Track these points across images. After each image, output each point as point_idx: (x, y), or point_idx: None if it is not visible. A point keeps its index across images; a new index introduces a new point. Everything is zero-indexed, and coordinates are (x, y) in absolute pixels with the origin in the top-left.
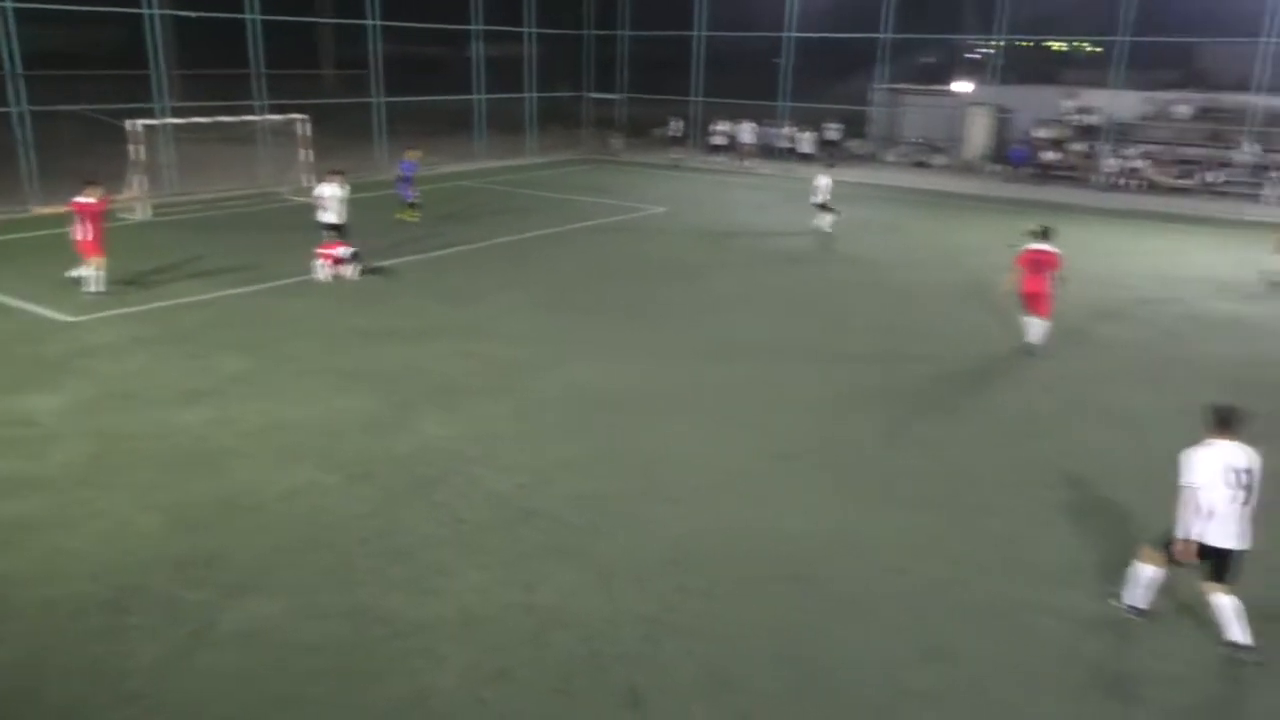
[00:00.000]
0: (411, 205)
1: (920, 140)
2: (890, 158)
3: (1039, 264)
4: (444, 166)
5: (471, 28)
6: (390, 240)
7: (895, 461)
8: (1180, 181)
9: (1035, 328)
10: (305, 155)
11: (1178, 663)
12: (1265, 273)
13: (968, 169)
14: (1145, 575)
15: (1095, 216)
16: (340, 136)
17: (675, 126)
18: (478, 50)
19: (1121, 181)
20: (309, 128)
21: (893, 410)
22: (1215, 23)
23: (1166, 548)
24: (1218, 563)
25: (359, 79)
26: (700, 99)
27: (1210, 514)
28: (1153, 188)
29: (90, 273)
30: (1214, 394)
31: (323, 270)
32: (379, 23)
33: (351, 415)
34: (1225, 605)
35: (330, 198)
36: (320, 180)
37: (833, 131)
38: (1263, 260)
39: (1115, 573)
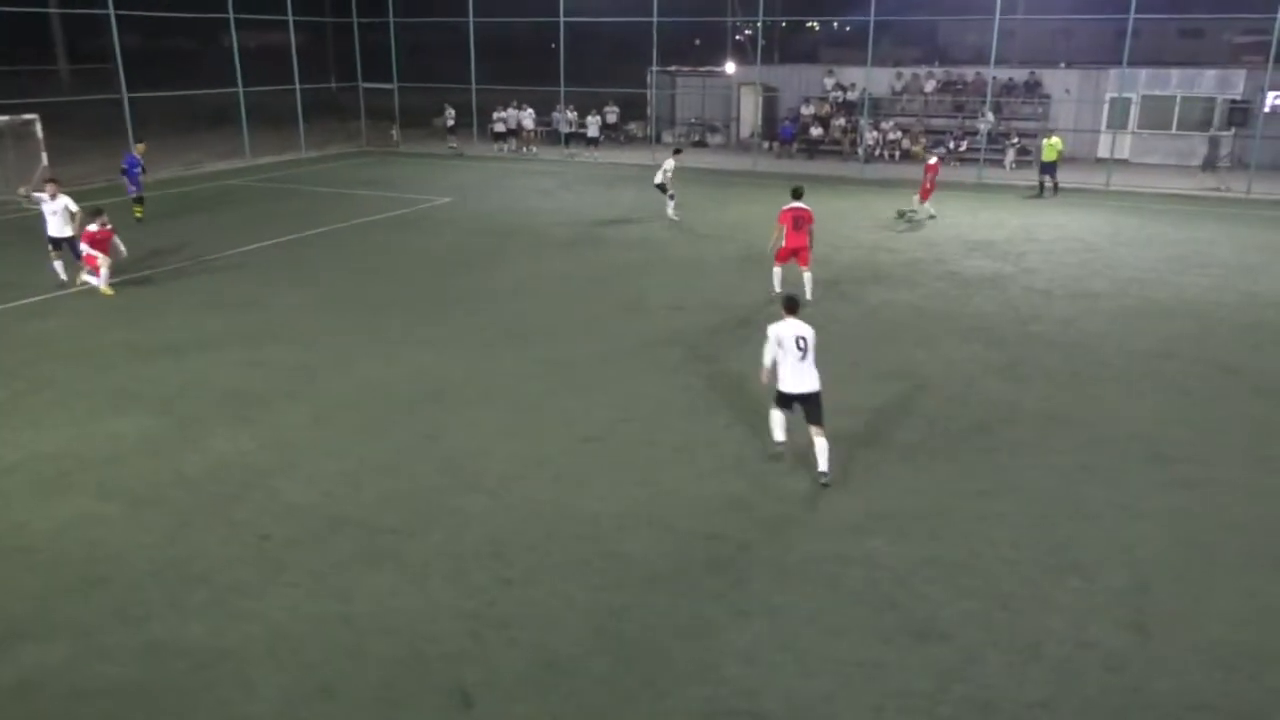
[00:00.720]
0: (138, 200)
1: (696, 120)
2: (668, 139)
3: (799, 220)
4: (207, 165)
5: (226, 16)
6: (150, 246)
7: (693, 432)
8: (931, 150)
9: (805, 281)
10: (44, 159)
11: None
12: (906, 213)
13: (743, 147)
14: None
15: (859, 187)
16: (84, 138)
17: (450, 115)
18: (235, 40)
19: (880, 153)
20: (40, 128)
21: (685, 383)
22: (955, 1)
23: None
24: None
25: (101, 74)
26: (476, 86)
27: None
28: (907, 157)
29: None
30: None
31: (92, 277)
32: (117, 12)
33: (129, 438)
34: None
35: (51, 212)
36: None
37: (611, 115)
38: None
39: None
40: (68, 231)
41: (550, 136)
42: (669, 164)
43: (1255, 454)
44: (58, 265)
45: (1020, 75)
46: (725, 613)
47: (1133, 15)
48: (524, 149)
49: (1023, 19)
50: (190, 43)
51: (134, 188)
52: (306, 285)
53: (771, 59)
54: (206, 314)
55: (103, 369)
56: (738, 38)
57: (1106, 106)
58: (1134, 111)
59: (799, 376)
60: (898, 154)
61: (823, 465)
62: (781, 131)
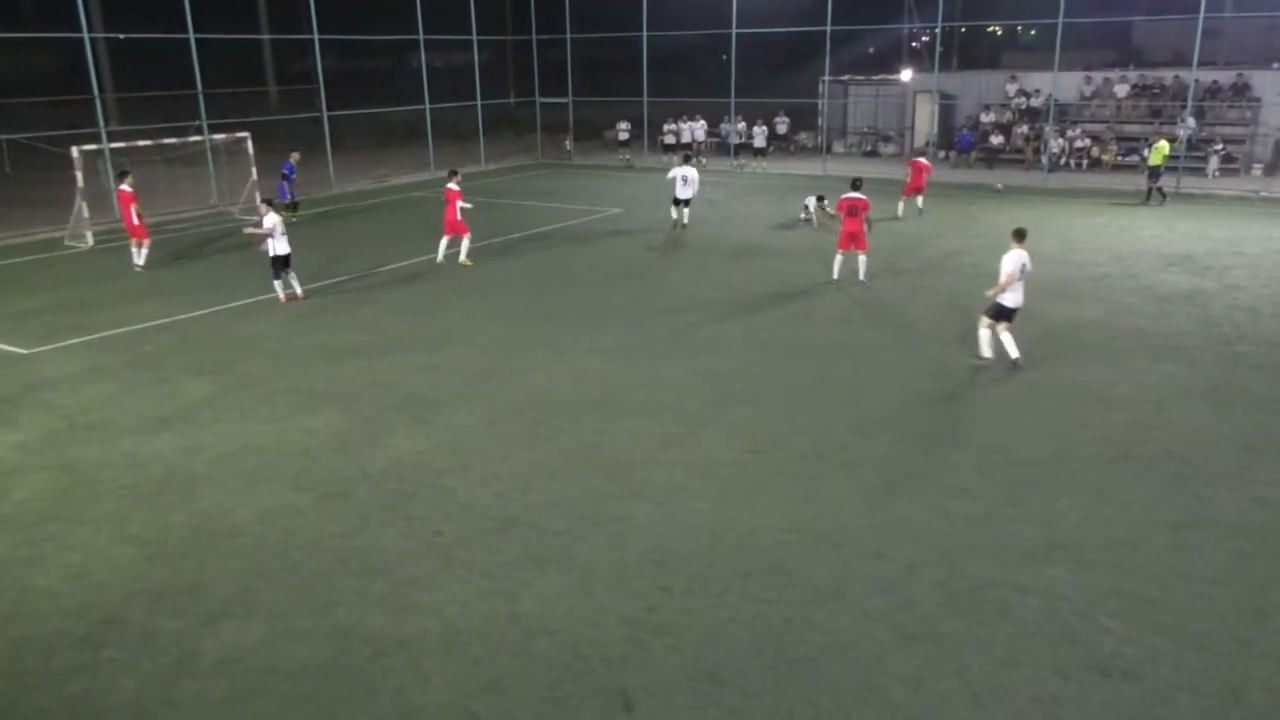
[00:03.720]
0: (291, 205)
1: (869, 130)
2: (839, 148)
3: (854, 208)
4: (395, 178)
5: (416, 38)
6: (341, 254)
7: (866, 450)
8: (1124, 159)
9: (860, 263)
10: (254, 173)
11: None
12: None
13: (917, 156)
14: (982, 334)
15: (1043, 197)
16: (289, 154)
17: (624, 128)
18: (424, 60)
19: (1066, 161)
20: (250, 145)
21: (849, 397)
22: (1150, 0)
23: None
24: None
25: (305, 94)
26: (648, 99)
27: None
28: (1097, 166)
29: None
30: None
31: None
32: (320, 36)
33: (321, 434)
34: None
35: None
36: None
37: (781, 125)
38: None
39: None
40: (285, 249)
41: (720, 148)
42: (810, 202)
43: None
44: (278, 284)
45: (1226, 77)
46: (891, 635)
47: None
48: (697, 160)
49: (1231, 16)
50: (383, 63)
51: (287, 194)
52: (483, 292)
53: (949, 65)
54: (391, 319)
55: (300, 369)
56: (914, 44)
57: None
58: None
59: (1019, 294)
60: (1085, 162)
61: (1014, 353)
62: (959, 140)
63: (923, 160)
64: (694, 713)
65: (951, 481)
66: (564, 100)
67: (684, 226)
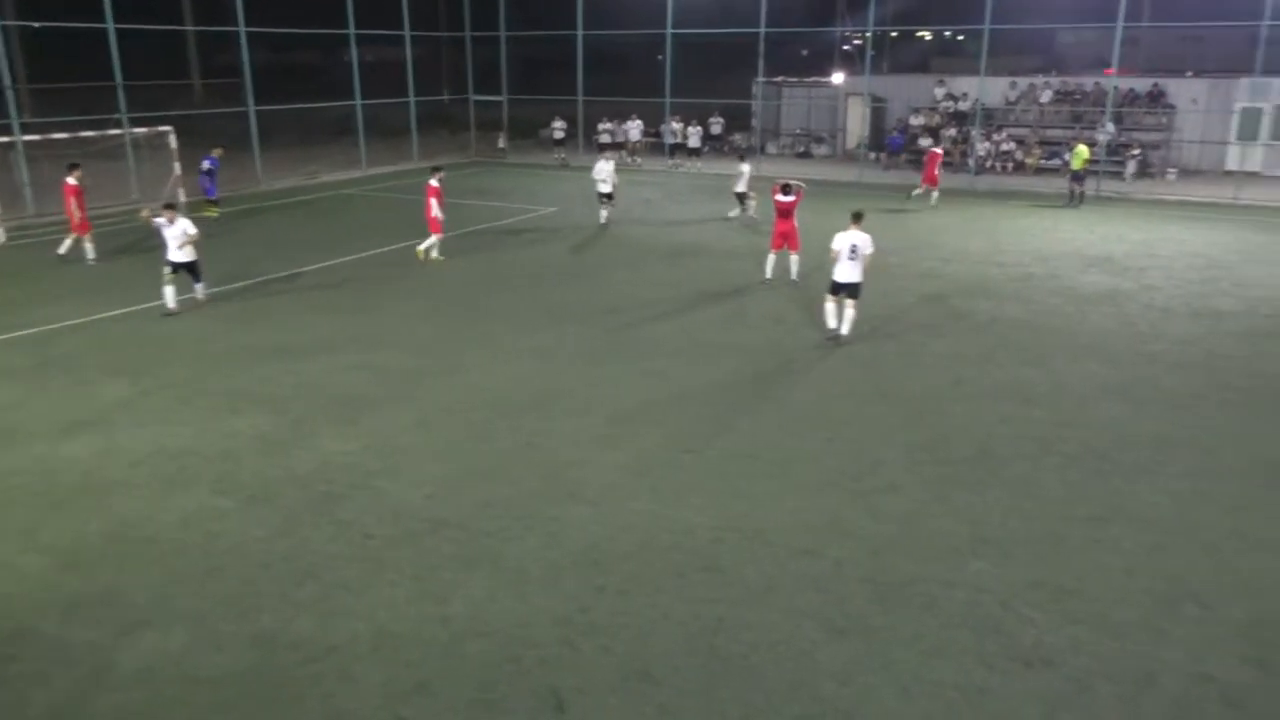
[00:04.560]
0: (213, 202)
1: (802, 131)
2: (773, 149)
3: (784, 210)
4: (326, 175)
5: (347, 32)
6: (268, 252)
7: (797, 448)
8: (1047, 162)
9: (792, 263)
10: (177, 169)
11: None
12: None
13: (849, 158)
14: (827, 309)
15: (969, 199)
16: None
17: (559, 126)
18: (355, 56)
19: (992, 164)
20: (174, 139)
21: (785, 397)
22: (1072, 8)
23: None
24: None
25: (231, 88)
26: (584, 98)
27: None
28: (1021, 169)
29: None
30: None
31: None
32: (247, 29)
33: (245, 436)
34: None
35: (171, 237)
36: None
37: (716, 125)
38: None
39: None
40: (187, 257)
41: (656, 148)
42: (745, 169)
43: None
44: (168, 291)
45: (1143, 85)
46: (821, 630)
47: (1267, 22)
48: (629, 159)
49: (1148, 26)
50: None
51: (211, 189)
52: (416, 292)
53: (880, 68)
54: (320, 318)
55: (223, 370)
56: (846, 48)
57: (1236, 117)
58: (1266, 122)
59: (846, 271)
60: (1010, 165)
61: (832, 323)
62: (889, 142)
63: (936, 150)
64: (626, 712)
65: (881, 479)
66: (499, 98)
67: (603, 225)
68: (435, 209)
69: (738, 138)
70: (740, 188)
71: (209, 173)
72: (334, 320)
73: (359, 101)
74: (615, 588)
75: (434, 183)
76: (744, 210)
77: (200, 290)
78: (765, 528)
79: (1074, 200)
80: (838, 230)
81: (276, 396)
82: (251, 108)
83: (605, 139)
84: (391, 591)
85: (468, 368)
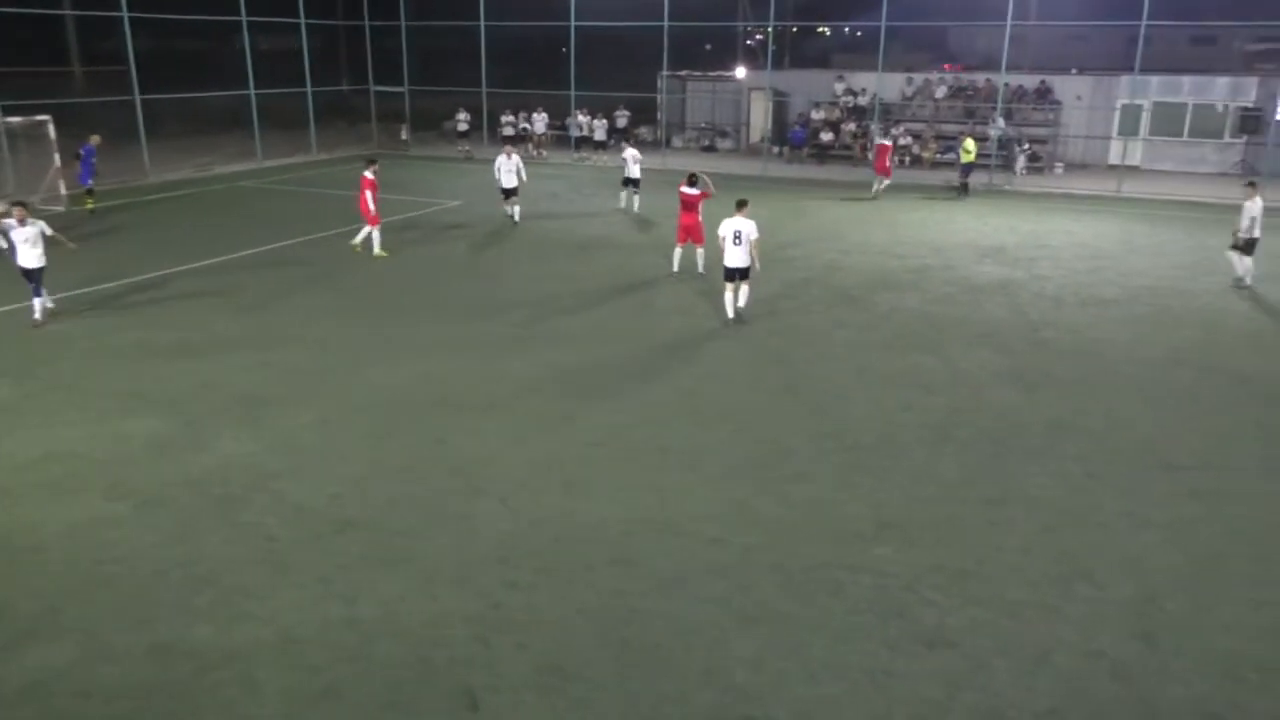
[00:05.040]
0: (88, 192)
1: (706, 125)
2: (678, 143)
3: (689, 204)
4: (219, 167)
5: (239, 19)
6: (162, 248)
7: (706, 439)
8: (942, 156)
9: (698, 256)
10: (56, 160)
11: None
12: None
13: (753, 151)
14: (726, 297)
15: (869, 192)
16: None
17: (463, 118)
18: (247, 43)
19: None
20: (53, 129)
21: (692, 388)
22: (967, 7)
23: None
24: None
25: (115, 76)
26: (487, 90)
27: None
28: (919, 163)
29: None
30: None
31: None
32: (131, 14)
33: (138, 439)
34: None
35: (22, 240)
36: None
37: (621, 119)
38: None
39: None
40: (37, 262)
41: (561, 141)
42: (633, 153)
43: (1266, 463)
44: (36, 304)
45: (1031, 81)
46: (732, 618)
47: (1145, 22)
48: (534, 152)
49: (1035, 25)
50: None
51: (87, 179)
52: (317, 288)
53: (782, 64)
54: (217, 316)
55: (115, 370)
56: (748, 42)
57: (1118, 113)
58: (1145, 118)
59: (734, 256)
60: (908, 159)
61: (730, 313)
62: (792, 136)
63: (885, 142)
64: (541, 707)
65: (787, 467)
66: (400, 89)
67: (515, 222)
68: (370, 201)
69: (643, 131)
70: (632, 173)
71: (83, 159)
72: (231, 317)
73: (253, 91)
74: (527, 583)
75: (369, 174)
76: (632, 197)
77: (40, 306)
78: (675, 519)
79: (962, 192)
80: (762, 217)
81: (171, 397)
82: (137, 96)
83: (508, 131)
84: (296, 594)
85: (371, 365)
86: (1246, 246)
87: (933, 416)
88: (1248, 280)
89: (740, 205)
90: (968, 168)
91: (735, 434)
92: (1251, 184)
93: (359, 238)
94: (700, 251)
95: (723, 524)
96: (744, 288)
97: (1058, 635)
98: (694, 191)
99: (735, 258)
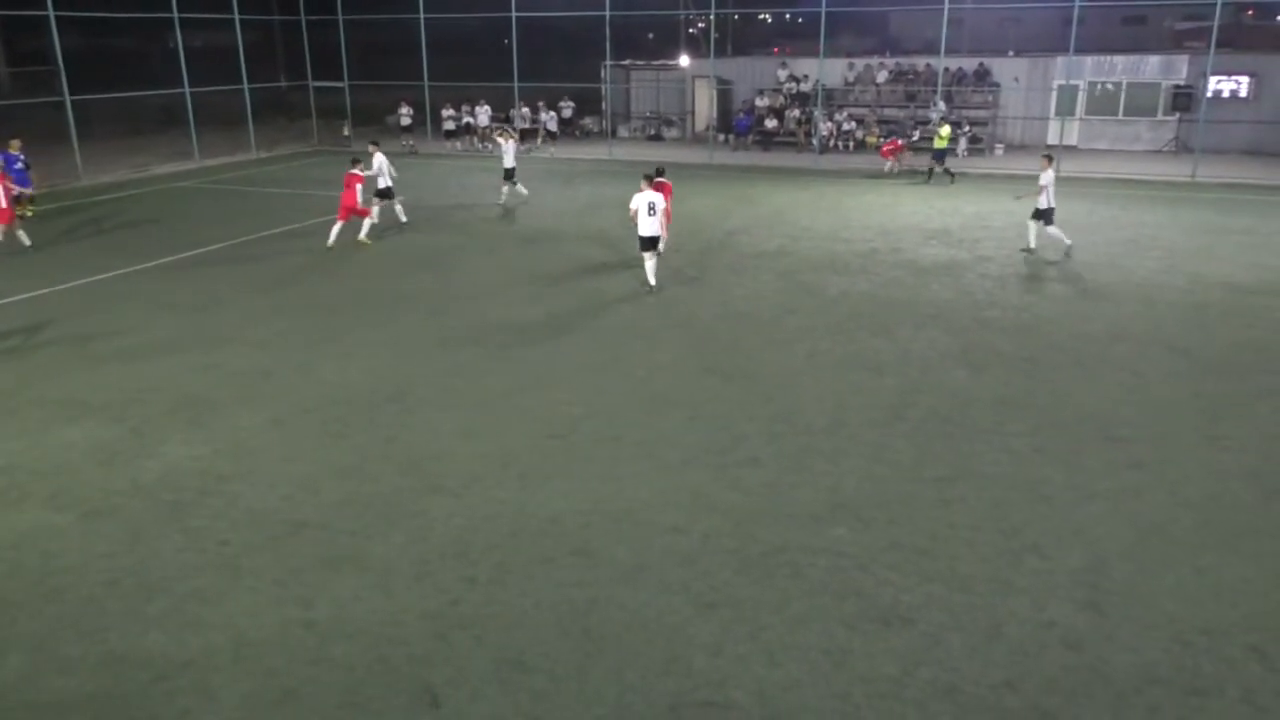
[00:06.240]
0: (29, 199)
1: (652, 114)
2: (624, 133)
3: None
4: (155, 168)
5: (170, 16)
6: (99, 250)
7: (661, 428)
8: (885, 140)
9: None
10: None
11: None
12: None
13: (699, 140)
14: (647, 266)
15: (814, 177)
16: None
17: (405, 113)
18: (180, 40)
19: (835, 143)
20: None
21: (646, 378)
22: None
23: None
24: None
25: (42, 76)
26: (429, 83)
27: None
28: (862, 148)
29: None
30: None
31: None
32: (57, 13)
33: (81, 447)
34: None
35: None
36: None
37: (566, 110)
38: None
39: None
40: None
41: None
42: (510, 146)
43: (1205, 433)
44: None
45: (970, 64)
46: (691, 605)
47: (1078, 3)
48: (480, 145)
49: (972, 8)
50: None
51: (27, 184)
52: (261, 287)
53: (725, 51)
54: (159, 318)
55: (53, 376)
56: (691, 30)
57: (1054, 94)
58: (1081, 98)
59: (647, 226)
60: (852, 144)
61: (651, 280)
62: (736, 124)
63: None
64: (502, 701)
65: (742, 453)
66: (340, 85)
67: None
68: (359, 195)
69: (588, 121)
70: (512, 163)
71: (8, 168)
72: (175, 319)
73: (187, 90)
74: (485, 578)
75: (356, 171)
76: (513, 188)
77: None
78: (633, 508)
79: (944, 176)
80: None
81: (115, 402)
82: (67, 97)
83: (450, 126)
84: (251, 598)
85: (319, 363)
86: (1044, 215)
87: (883, 398)
88: (1032, 246)
89: (648, 179)
90: (941, 153)
91: (689, 421)
92: (1047, 156)
93: (364, 232)
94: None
95: (680, 511)
96: (654, 258)
97: (1010, 608)
98: (665, 181)
99: (649, 227)
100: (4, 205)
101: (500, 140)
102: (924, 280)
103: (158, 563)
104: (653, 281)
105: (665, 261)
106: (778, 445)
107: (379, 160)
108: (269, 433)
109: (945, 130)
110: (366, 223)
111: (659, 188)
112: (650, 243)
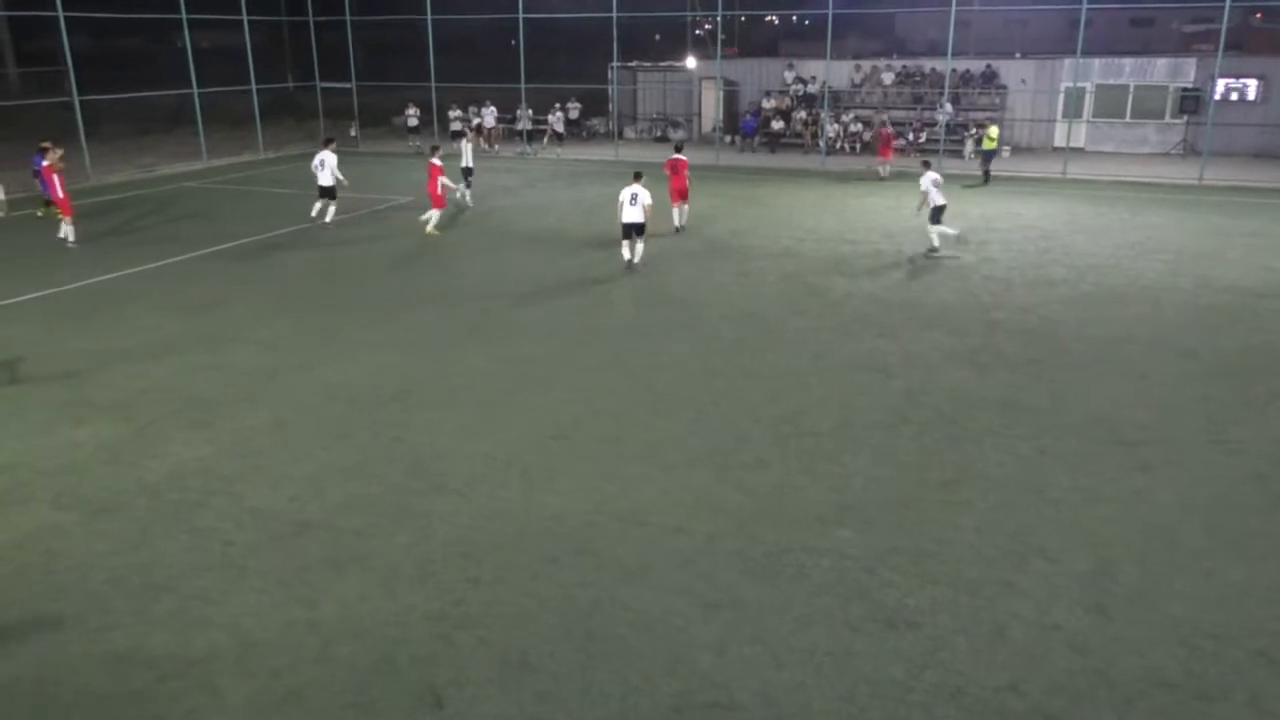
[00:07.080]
0: (47, 201)
1: (658, 115)
2: (630, 134)
3: (676, 166)
4: (163, 168)
5: (179, 16)
6: (105, 250)
7: (665, 428)
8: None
9: (679, 214)
10: None
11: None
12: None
13: (705, 141)
14: (623, 248)
15: (821, 179)
16: (35, 142)
17: (412, 114)
18: (189, 41)
19: (841, 145)
20: None
21: (650, 379)
22: None
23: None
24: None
25: (51, 76)
26: (436, 84)
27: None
28: (868, 149)
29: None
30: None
31: None
32: (67, 14)
33: (87, 447)
34: (640, 248)
35: None
36: None
37: (573, 111)
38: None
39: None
40: None
41: (511, 133)
42: (467, 146)
43: (1212, 436)
44: None
45: (977, 66)
46: (695, 606)
47: (1085, 5)
48: (487, 146)
49: (979, 10)
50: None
51: (60, 189)
52: (267, 287)
53: (732, 53)
54: (166, 318)
55: (60, 376)
56: (698, 32)
57: (1061, 96)
58: (1088, 100)
59: (631, 215)
60: (859, 146)
61: (628, 255)
62: (743, 125)
63: (887, 129)
64: (506, 702)
65: (747, 454)
66: (347, 85)
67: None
68: (441, 183)
69: (595, 122)
70: (469, 161)
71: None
72: (180, 319)
73: (195, 90)
74: (489, 578)
75: (436, 161)
76: (467, 188)
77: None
78: (637, 508)
79: (984, 180)
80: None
81: (121, 402)
82: (76, 97)
83: (457, 126)
84: (256, 599)
85: (324, 362)
86: (934, 215)
87: (889, 399)
88: (939, 244)
89: (636, 176)
90: (990, 154)
91: (694, 422)
92: (925, 162)
93: (432, 222)
94: (685, 208)
95: (684, 512)
96: (639, 244)
97: (1015, 610)
98: (681, 157)
99: (631, 215)
100: (61, 195)
101: (464, 141)
102: (929, 282)
103: (163, 562)
104: (631, 257)
105: (669, 262)
106: (783, 446)
107: (328, 158)
108: (274, 433)
109: (994, 131)
110: (434, 213)
111: (677, 163)
112: (629, 229)
